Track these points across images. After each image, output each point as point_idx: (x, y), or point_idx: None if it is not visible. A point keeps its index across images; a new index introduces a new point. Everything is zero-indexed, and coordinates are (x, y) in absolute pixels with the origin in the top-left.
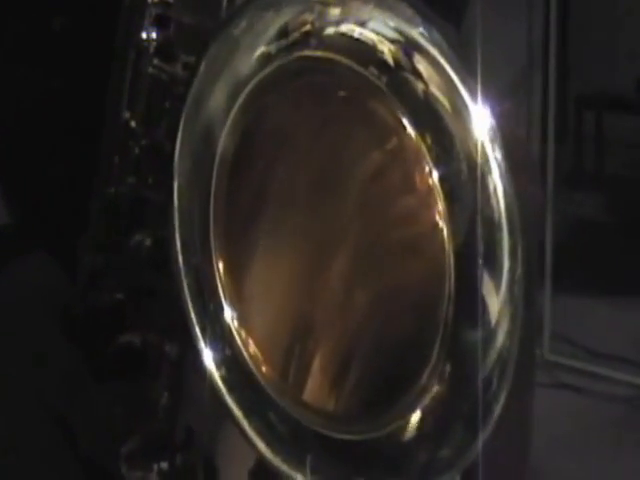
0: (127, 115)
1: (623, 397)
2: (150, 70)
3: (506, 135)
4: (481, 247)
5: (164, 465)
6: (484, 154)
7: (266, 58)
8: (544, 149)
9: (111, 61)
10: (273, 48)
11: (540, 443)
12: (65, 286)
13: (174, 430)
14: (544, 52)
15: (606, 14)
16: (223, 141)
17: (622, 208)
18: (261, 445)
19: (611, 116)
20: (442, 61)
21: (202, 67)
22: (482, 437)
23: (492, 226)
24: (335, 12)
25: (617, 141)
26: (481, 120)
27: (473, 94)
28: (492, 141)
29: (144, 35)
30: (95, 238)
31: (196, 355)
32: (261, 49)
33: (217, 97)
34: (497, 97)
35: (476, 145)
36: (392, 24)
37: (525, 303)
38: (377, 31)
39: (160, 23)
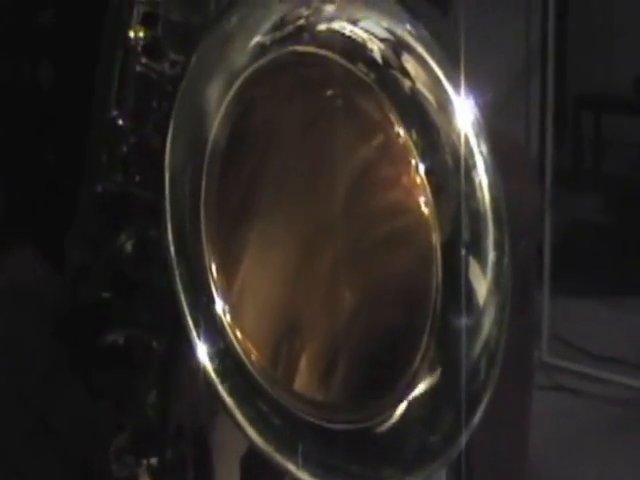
0: (115, 113)
1: (621, 399)
2: (138, 68)
3: (501, 136)
4: (467, 237)
5: (153, 461)
6: (469, 148)
7: (261, 48)
8: (542, 149)
9: (99, 59)
10: (268, 39)
11: (538, 444)
12: (51, 282)
13: (164, 425)
14: (543, 52)
15: (605, 14)
16: (214, 135)
17: (621, 209)
18: (253, 434)
19: (610, 116)
20: (429, 59)
21: (194, 61)
22: (471, 425)
23: (478, 218)
24: (329, 9)
25: (616, 141)
26: (465, 112)
27: (457, 88)
28: (477, 135)
29: (132, 33)
30: (82, 235)
31: (188, 346)
32: (256, 39)
33: (209, 90)
34: (494, 96)
35: (461, 138)
36: (384, 24)
37: (520, 302)
38: (368, 30)
39: (148, 21)
